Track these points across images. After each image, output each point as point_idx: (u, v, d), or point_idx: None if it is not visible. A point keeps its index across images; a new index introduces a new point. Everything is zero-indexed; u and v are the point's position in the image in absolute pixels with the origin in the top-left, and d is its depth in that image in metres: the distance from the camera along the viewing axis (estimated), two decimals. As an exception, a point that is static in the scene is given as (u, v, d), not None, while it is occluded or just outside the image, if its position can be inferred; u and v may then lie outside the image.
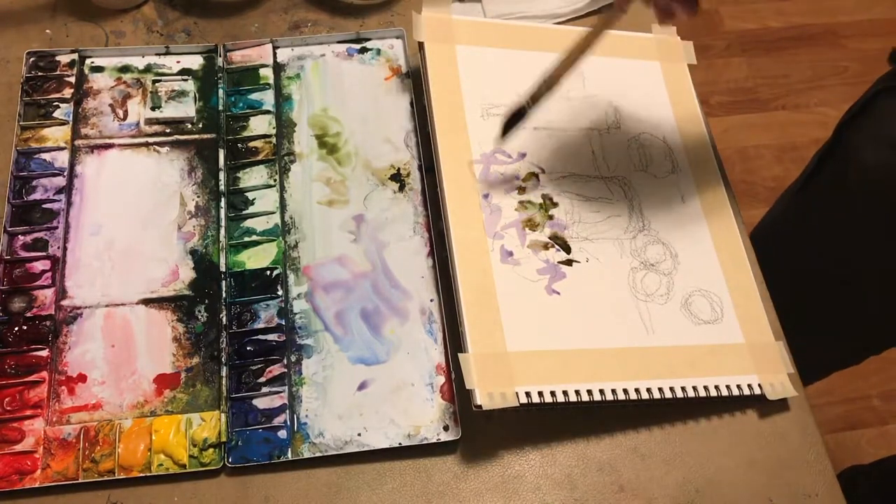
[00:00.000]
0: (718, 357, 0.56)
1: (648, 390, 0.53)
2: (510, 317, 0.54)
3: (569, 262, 0.57)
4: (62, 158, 0.60)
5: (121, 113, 0.63)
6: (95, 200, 0.59)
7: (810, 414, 0.56)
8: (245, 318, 0.56)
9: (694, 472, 0.54)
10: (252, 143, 0.62)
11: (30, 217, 0.58)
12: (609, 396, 0.52)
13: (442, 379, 0.55)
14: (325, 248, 0.59)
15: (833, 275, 0.78)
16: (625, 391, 0.53)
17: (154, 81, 0.64)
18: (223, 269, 0.57)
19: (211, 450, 0.52)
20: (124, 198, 0.60)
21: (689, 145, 0.65)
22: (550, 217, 0.59)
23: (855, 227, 0.73)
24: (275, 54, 0.66)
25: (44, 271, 0.56)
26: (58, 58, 0.64)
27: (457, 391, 0.54)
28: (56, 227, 0.58)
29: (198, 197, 0.60)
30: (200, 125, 0.63)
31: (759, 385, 0.56)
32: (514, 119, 0.57)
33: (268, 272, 0.57)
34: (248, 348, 0.55)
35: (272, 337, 0.55)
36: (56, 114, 0.62)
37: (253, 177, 0.61)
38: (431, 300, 0.57)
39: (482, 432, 0.54)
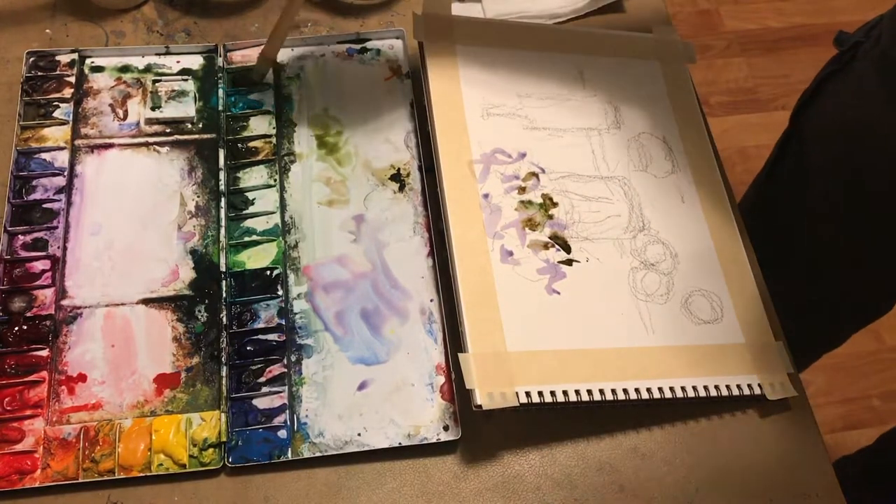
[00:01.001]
0: (718, 357, 0.56)
1: (648, 390, 0.53)
2: (510, 317, 0.54)
3: (569, 262, 0.57)
4: (62, 158, 0.60)
5: (121, 113, 0.63)
6: (95, 200, 0.59)
7: (810, 414, 0.57)
8: (245, 318, 0.56)
9: (694, 472, 0.54)
10: (252, 143, 0.62)
11: (30, 217, 0.58)
12: (609, 396, 0.52)
13: (442, 379, 0.55)
14: (325, 248, 0.59)
15: (804, 258, 0.79)
16: (625, 391, 0.53)
17: (154, 81, 0.64)
18: (223, 269, 0.57)
19: (211, 450, 0.52)
20: (124, 198, 0.60)
21: (689, 145, 0.65)
22: (550, 217, 0.59)
23: (817, 210, 0.74)
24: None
25: (44, 271, 0.56)
26: (58, 58, 0.64)
27: (457, 391, 0.54)
28: (56, 227, 0.58)
29: (198, 197, 0.60)
30: (200, 125, 0.63)
31: (759, 385, 0.56)
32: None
33: (268, 272, 0.57)
34: (248, 348, 0.55)
35: (272, 337, 0.55)
36: (56, 114, 0.62)
37: (253, 177, 0.61)
38: (431, 300, 0.57)
39: (482, 432, 0.54)
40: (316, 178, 0.62)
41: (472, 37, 0.65)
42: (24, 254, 0.57)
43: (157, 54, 0.66)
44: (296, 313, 0.56)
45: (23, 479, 0.50)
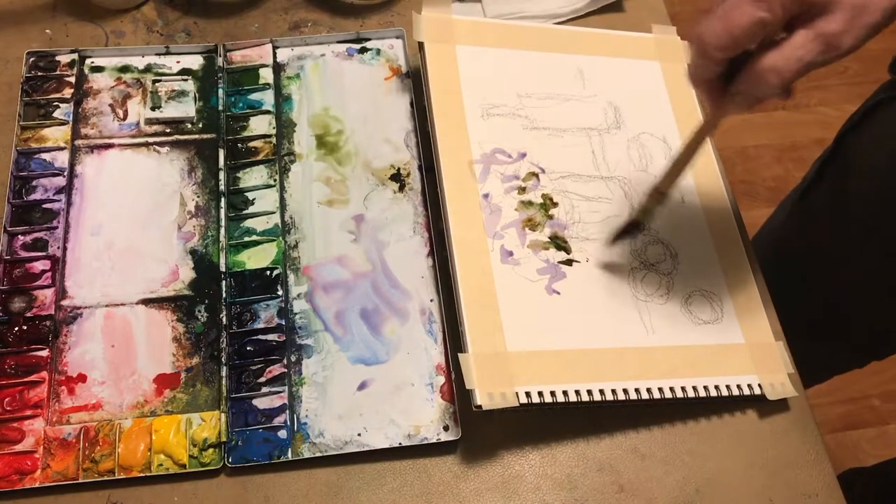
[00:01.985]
0: (718, 357, 0.56)
1: (648, 390, 0.53)
2: (510, 317, 0.54)
3: (569, 262, 0.57)
4: (62, 158, 0.60)
5: (121, 113, 0.63)
6: (95, 200, 0.59)
7: (810, 414, 0.57)
8: (245, 318, 0.56)
9: (694, 472, 0.54)
10: (252, 143, 0.62)
11: (30, 217, 0.58)
12: (609, 396, 0.52)
13: (442, 379, 0.55)
14: (325, 248, 0.59)
15: (836, 281, 0.78)
16: (625, 391, 0.53)
17: (154, 81, 0.64)
18: (223, 269, 0.57)
19: (211, 450, 0.52)
20: (124, 198, 0.60)
21: (689, 145, 0.65)
22: (550, 217, 0.59)
23: (855, 235, 0.73)
24: (275, 54, 0.66)
25: (44, 271, 0.56)
26: (58, 58, 0.64)
27: (457, 391, 0.54)
28: (56, 227, 0.58)
29: (198, 197, 0.60)
30: (200, 125, 0.63)
31: (760, 385, 0.56)
32: (628, 231, 0.57)
33: (268, 272, 0.57)
34: (248, 348, 0.55)
35: (272, 337, 0.55)
36: (56, 114, 0.62)
37: (253, 177, 0.61)
38: (431, 300, 0.57)
39: (482, 432, 0.54)
40: (316, 177, 0.62)
41: (472, 37, 0.65)
42: (24, 254, 0.57)
43: (157, 54, 0.66)
44: (296, 313, 0.56)
45: (23, 479, 0.50)
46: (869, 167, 0.70)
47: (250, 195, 0.60)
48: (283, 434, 0.52)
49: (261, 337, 0.55)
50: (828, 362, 0.91)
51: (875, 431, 1.35)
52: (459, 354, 0.51)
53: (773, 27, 0.42)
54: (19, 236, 0.58)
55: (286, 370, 0.54)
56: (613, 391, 0.53)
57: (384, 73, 0.67)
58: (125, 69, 0.65)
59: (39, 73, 0.63)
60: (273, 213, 0.60)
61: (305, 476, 0.52)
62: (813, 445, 0.55)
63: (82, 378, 0.53)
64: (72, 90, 0.63)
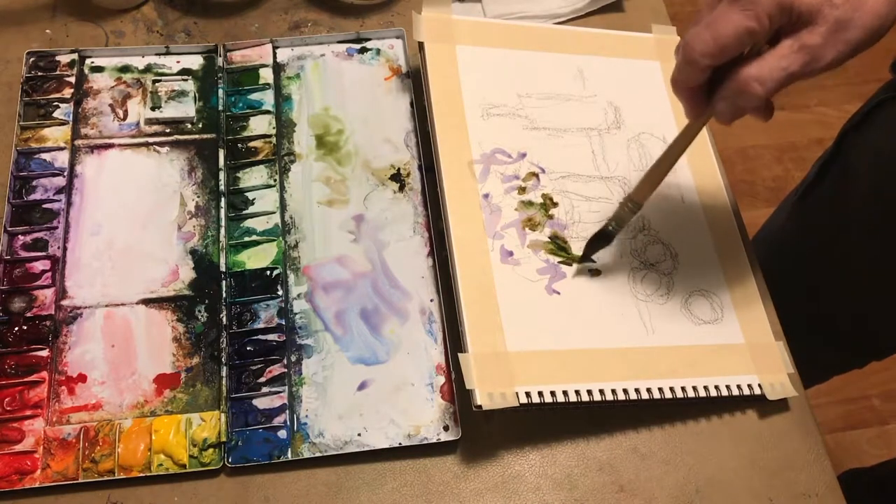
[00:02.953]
0: (718, 357, 0.56)
1: (648, 390, 0.53)
2: (510, 317, 0.54)
3: (569, 262, 0.57)
4: (62, 158, 0.60)
5: (121, 113, 0.63)
6: (95, 200, 0.59)
7: (810, 414, 0.57)
8: (245, 318, 0.56)
9: (694, 472, 0.54)
10: (252, 143, 0.62)
11: (30, 217, 0.58)
12: (609, 396, 0.52)
13: (442, 379, 0.55)
14: (325, 248, 0.59)
15: (835, 283, 0.78)
16: (625, 391, 0.53)
17: (154, 81, 0.64)
18: (223, 269, 0.57)
19: (211, 450, 0.52)
20: (124, 198, 0.60)
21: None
22: (550, 217, 0.59)
23: (856, 235, 0.73)
24: (275, 54, 0.66)
25: (44, 271, 0.56)
26: (58, 58, 0.64)
27: (457, 391, 0.54)
28: (56, 227, 0.58)
29: (198, 197, 0.60)
30: (200, 125, 0.63)
31: (760, 385, 0.56)
32: (598, 241, 0.56)
33: (268, 272, 0.57)
34: (248, 348, 0.55)
35: (272, 337, 0.55)
36: (56, 114, 0.62)
37: (253, 177, 0.61)
38: (431, 300, 0.57)
39: (482, 432, 0.54)
40: (316, 177, 0.62)
41: (472, 37, 0.65)
42: (24, 254, 0.57)
43: (157, 54, 0.66)
44: (296, 313, 0.56)
45: (23, 479, 0.50)
46: (870, 167, 0.70)
47: (250, 195, 0.60)
48: (283, 434, 0.52)
49: (261, 337, 0.55)
50: (827, 362, 0.91)
51: (875, 431, 1.35)
52: (459, 354, 0.51)
53: (759, 37, 0.43)
54: (19, 236, 0.58)
55: (286, 370, 0.54)
56: (613, 391, 0.53)
57: (384, 73, 0.67)
58: (125, 69, 0.65)
59: (39, 73, 0.63)
60: (273, 213, 0.60)
61: (305, 476, 0.52)
62: (813, 445, 0.55)
63: (82, 378, 0.53)
64: (72, 90, 0.63)
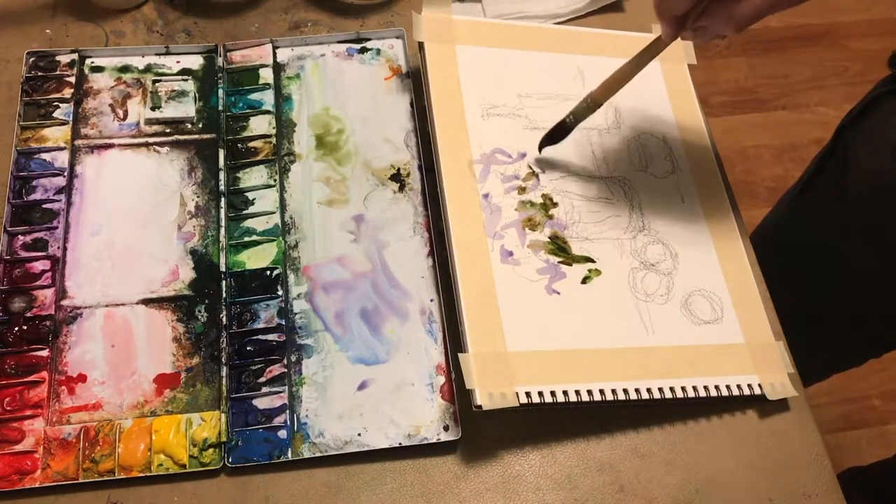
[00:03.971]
0: (718, 357, 0.56)
1: (648, 390, 0.53)
2: (510, 317, 0.54)
3: (569, 262, 0.57)
4: (62, 158, 0.60)
5: (121, 113, 0.63)
6: (95, 200, 0.59)
7: (810, 414, 0.57)
8: (245, 318, 0.56)
9: (694, 472, 0.54)
10: (252, 143, 0.62)
11: (30, 217, 0.58)
12: (609, 396, 0.52)
13: (442, 379, 0.55)
14: (325, 248, 0.59)
15: (833, 278, 0.78)
16: (625, 391, 0.53)
17: (154, 81, 0.64)
18: (223, 269, 0.57)
19: (211, 450, 0.52)
20: (124, 198, 0.60)
21: (689, 145, 0.65)
22: (550, 217, 0.59)
23: (854, 229, 0.73)
24: (275, 54, 0.66)
25: (44, 271, 0.56)
26: (58, 58, 0.64)
27: (457, 391, 0.54)
28: (56, 227, 0.58)
29: (198, 197, 0.60)
30: (200, 125, 0.63)
31: (759, 385, 0.56)
32: (555, 134, 0.59)
33: (268, 272, 0.57)
34: (248, 348, 0.55)
35: (272, 337, 0.55)
36: (56, 114, 0.62)
37: (253, 177, 0.61)
38: (431, 300, 0.57)
39: (482, 432, 0.54)
40: (316, 177, 0.62)
41: (472, 37, 0.65)
42: (24, 254, 0.57)
43: (157, 54, 0.66)
44: (296, 313, 0.56)
45: (23, 479, 0.50)
46: (869, 160, 0.70)
47: (250, 195, 0.60)
48: (283, 434, 0.52)
49: (261, 337, 0.55)
50: (826, 359, 0.91)
51: (875, 431, 1.35)
52: (459, 354, 0.51)
53: None
54: (19, 236, 0.58)
55: (286, 370, 0.54)
56: (613, 391, 0.53)
57: (384, 73, 0.67)
58: (125, 69, 0.65)
59: (39, 73, 0.63)
60: (273, 213, 0.60)
61: (305, 476, 0.52)
62: (813, 445, 0.55)
63: (82, 378, 0.53)
64: (72, 90, 0.63)
